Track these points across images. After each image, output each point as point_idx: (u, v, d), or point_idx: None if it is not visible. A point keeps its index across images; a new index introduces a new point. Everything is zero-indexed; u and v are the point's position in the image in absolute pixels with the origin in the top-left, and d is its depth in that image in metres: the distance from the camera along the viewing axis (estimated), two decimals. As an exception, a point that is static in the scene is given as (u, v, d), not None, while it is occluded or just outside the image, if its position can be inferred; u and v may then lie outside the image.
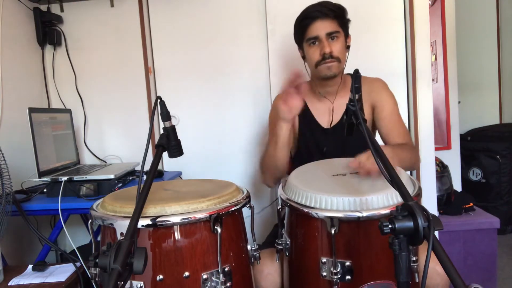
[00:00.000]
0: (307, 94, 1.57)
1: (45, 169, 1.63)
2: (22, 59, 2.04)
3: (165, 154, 1.11)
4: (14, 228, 1.76)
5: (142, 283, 0.98)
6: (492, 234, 2.11)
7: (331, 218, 0.98)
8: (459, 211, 2.23)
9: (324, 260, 1.02)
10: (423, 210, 0.71)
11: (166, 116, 1.10)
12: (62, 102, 2.21)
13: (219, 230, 0.99)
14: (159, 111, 1.10)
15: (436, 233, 1.27)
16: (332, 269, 0.99)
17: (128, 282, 0.96)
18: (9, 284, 1.31)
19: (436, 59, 2.65)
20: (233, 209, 1.05)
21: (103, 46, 2.20)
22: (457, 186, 2.60)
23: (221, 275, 1.00)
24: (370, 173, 1.10)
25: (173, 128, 1.11)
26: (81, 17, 2.19)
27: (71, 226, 2.14)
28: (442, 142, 2.62)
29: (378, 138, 1.54)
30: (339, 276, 0.99)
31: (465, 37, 3.20)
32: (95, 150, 2.23)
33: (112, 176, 1.58)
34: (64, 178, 1.55)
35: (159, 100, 1.08)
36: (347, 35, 1.46)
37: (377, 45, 2.02)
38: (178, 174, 2.07)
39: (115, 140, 2.24)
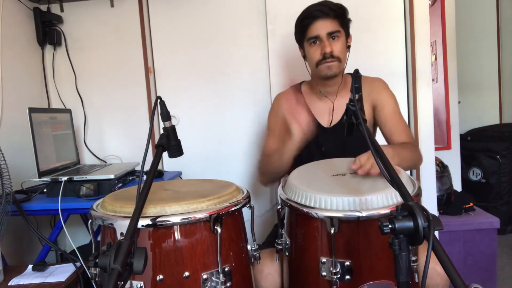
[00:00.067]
0: (307, 93, 1.57)
1: (45, 169, 1.63)
2: (22, 59, 2.04)
3: (165, 154, 1.11)
4: (14, 228, 1.77)
5: (142, 283, 0.98)
6: (492, 234, 2.11)
7: (331, 218, 0.98)
8: (459, 211, 2.23)
9: (323, 260, 1.02)
10: (423, 210, 0.71)
11: (166, 116, 1.10)
12: (62, 102, 2.21)
13: (219, 230, 0.99)
14: (159, 111, 1.10)
15: (436, 233, 1.27)
16: (331, 269, 0.99)
17: (128, 282, 0.96)
18: (9, 284, 1.31)
19: (436, 59, 2.65)
20: (233, 209, 1.05)
21: (103, 46, 2.20)
22: (457, 186, 2.60)
23: (221, 275, 1.00)
24: (370, 173, 1.10)
25: (173, 128, 1.11)
26: (81, 17, 2.19)
27: (71, 226, 2.14)
28: (442, 142, 2.62)
29: (378, 138, 1.54)
30: (339, 276, 0.99)
31: (465, 37, 3.20)
32: (95, 150, 2.23)
33: (112, 176, 1.58)
34: (64, 178, 1.55)
35: (159, 100, 1.08)
36: (347, 35, 1.46)
37: (377, 45, 2.02)
38: (178, 174, 2.07)
39: (115, 140, 2.24)
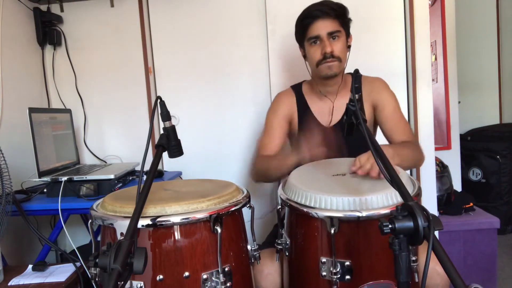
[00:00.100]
0: (308, 93, 1.57)
1: (45, 169, 1.63)
2: (22, 59, 2.04)
3: (165, 154, 1.11)
4: (14, 228, 1.77)
5: (142, 283, 0.98)
6: (492, 234, 2.11)
7: (331, 218, 0.98)
8: (459, 211, 2.23)
9: (323, 260, 1.02)
10: (423, 210, 0.71)
11: (166, 116, 1.10)
12: (62, 102, 2.21)
13: (219, 230, 0.99)
14: (159, 111, 1.10)
15: (436, 233, 1.27)
16: (331, 268, 0.99)
17: (128, 282, 0.96)
18: (9, 284, 1.31)
19: (436, 59, 2.65)
20: (233, 209, 1.05)
21: (103, 46, 2.20)
22: (457, 186, 2.60)
23: (221, 275, 1.00)
24: (370, 175, 1.10)
25: (173, 128, 1.11)
26: (81, 17, 2.19)
27: (71, 226, 2.14)
28: (442, 142, 2.62)
29: (378, 138, 1.54)
30: (339, 276, 0.99)
31: (465, 37, 3.20)
32: (95, 150, 2.23)
33: (112, 176, 1.58)
34: (64, 178, 1.55)
35: (159, 100, 1.08)
36: (348, 35, 1.47)
37: (377, 45, 2.02)
38: (178, 174, 2.07)
39: (115, 140, 2.24)
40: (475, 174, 3.04)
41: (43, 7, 2.15)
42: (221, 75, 2.16)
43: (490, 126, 3.26)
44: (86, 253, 1.22)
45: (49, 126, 1.74)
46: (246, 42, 2.13)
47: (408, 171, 1.78)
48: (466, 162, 3.04)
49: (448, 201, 2.27)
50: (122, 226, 0.97)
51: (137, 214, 0.81)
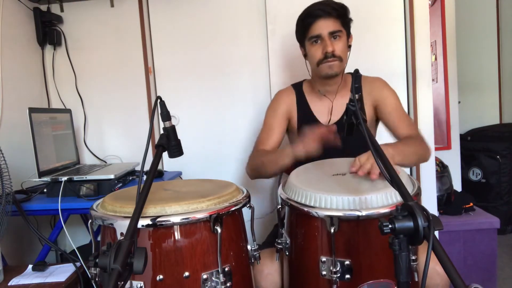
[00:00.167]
0: (308, 92, 1.57)
1: (45, 169, 1.63)
2: (22, 59, 2.04)
3: (165, 154, 1.11)
4: (14, 228, 1.77)
5: (142, 283, 0.98)
6: (492, 234, 2.11)
7: (331, 217, 0.98)
8: (459, 211, 2.23)
9: (323, 259, 1.02)
10: (423, 210, 0.71)
11: (166, 116, 1.10)
12: (62, 102, 2.21)
13: (219, 230, 0.99)
14: (159, 111, 1.10)
15: (436, 233, 1.27)
16: (331, 268, 0.99)
17: (128, 282, 0.96)
18: (9, 284, 1.31)
19: (436, 59, 2.64)
20: (233, 209, 1.05)
21: (103, 46, 2.20)
22: (457, 186, 2.60)
23: (221, 275, 1.00)
24: (369, 176, 1.09)
25: (173, 128, 1.11)
26: (81, 17, 2.19)
27: (71, 226, 2.14)
28: (442, 142, 2.62)
29: (378, 137, 1.54)
30: (339, 275, 0.99)
31: (465, 37, 3.20)
32: (95, 150, 2.23)
33: (112, 176, 1.58)
34: (64, 178, 1.55)
35: (159, 100, 1.08)
36: (349, 35, 1.47)
37: (377, 45, 2.02)
38: (178, 174, 2.07)
39: (115, 140, 2.24)
40: (475, 174, 3.04)
41: (43, 7, 2.15)
42: (221, 75, 2.16)
43: (490, 126, 3.26)
44: (86, 253, 1.22)
45: (49, 126, 1.74)
46: (246, 42, 2.13)
47: (408, 171, 1.78)
48: (466, 162, 3.03)
49: (448, 201, 2.27)
50: (122, 226, 0.97)
51: (137, 214, 0.81)
